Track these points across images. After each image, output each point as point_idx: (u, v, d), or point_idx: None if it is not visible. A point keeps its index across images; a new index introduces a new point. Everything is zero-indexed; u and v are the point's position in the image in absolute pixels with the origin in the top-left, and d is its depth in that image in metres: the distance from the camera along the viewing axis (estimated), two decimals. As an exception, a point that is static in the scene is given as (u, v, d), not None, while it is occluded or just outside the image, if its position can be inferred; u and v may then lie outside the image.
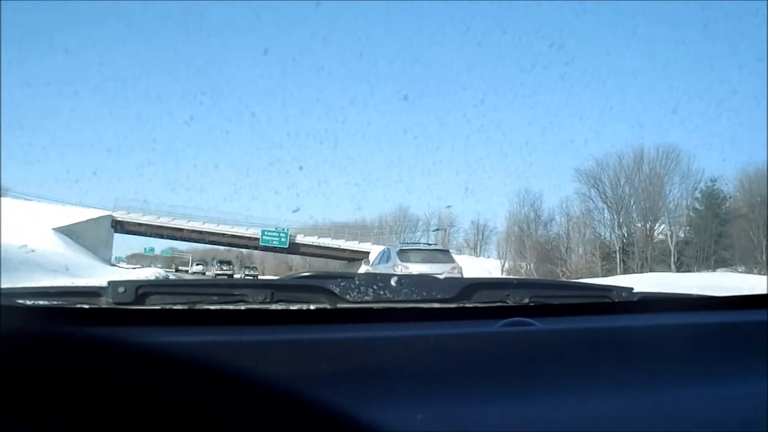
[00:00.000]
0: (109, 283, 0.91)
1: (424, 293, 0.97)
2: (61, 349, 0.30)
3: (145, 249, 64.49)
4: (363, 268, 12.30)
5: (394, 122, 41.64)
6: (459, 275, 8.40)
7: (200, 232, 41.72)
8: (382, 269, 9.34)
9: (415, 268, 8.68)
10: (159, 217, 40.68)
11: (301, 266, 55.18)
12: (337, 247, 40.36)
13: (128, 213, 41.68)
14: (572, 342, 0.74)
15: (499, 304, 1.02)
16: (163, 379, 0.30)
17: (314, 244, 41.24)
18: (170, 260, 68.94)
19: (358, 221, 45.52)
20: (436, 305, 0.94)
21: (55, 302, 0.96)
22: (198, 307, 0.93)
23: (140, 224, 41.37)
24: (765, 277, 17.41)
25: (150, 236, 43.51)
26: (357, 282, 0.95)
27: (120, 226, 40.67)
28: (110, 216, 40.47)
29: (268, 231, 39.72)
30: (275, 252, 48.16)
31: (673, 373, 0.68)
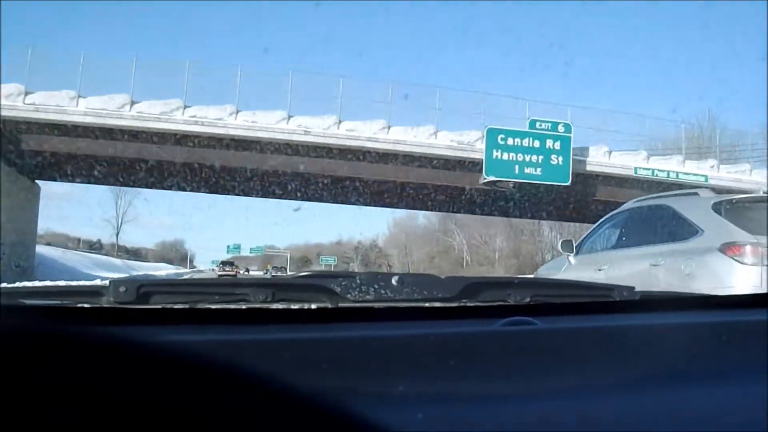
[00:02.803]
0: (111, 282, 0.95)
1: (425, 292, 1.01)
2: (62, 349, 0.31)
3: (228, 247, 55.09)
4: (565, 270, 5.49)
5: (394, 122, 26.47)
6: None
7: (244, 145, 17.78)
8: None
9: None
10: (131, 104, 16.72)
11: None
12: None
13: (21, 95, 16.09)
14: (573, 341, 0.78)
15: (500, 303, 1.06)
16: (163, 378, 0.32)
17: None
18: (264, 261, 60.51)
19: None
20: (438, 304, 0.99)
21: (56, 301, 1.00)
22: (199, 306, 0.98)
23: (67, 127, 16.46)
24: None
25: (100, 180, 20.32)
26: (358, 281, 0.99)
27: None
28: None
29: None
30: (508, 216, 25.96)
31: (675, 373, 0.71)
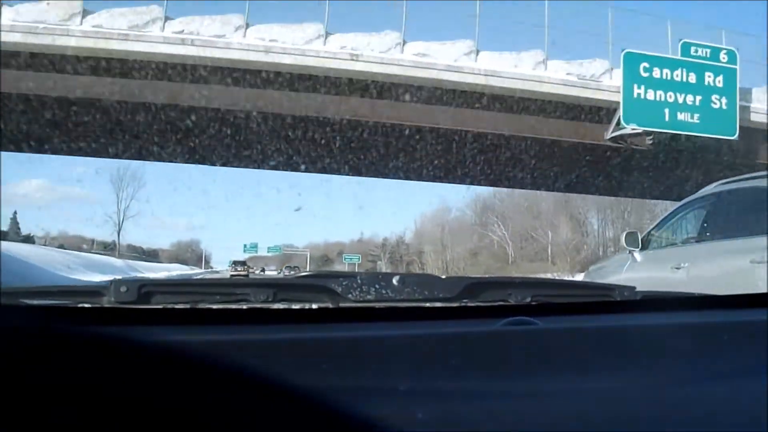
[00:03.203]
0: (112, 282, 1.03)
1: (426, 292, 1.07)
2: (62, 349, 0.33)
3: (245, 246, 53.83)
4: (627, 268, 5.09)
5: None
6: None
7: (256, 77, 11.13)
8: None
9: None
10: (82, 15, 10.80)
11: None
12: None
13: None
14: (574, 341, 0.84)
15: (501, 303, 1.13)
16: (164, 378, 0.34)
17: None
18: (283, 261, 59.86)
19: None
20: (439, 304, 1.05)
21: (57, 301, 1.08)
22: (200, 306, 1.05)
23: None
24: None
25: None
26: (359, 281, 1.06)
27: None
28: None
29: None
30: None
31: (676, 372, 0.76)
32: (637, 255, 4.98)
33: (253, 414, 0.34)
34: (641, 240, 5.00)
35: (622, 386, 0.70)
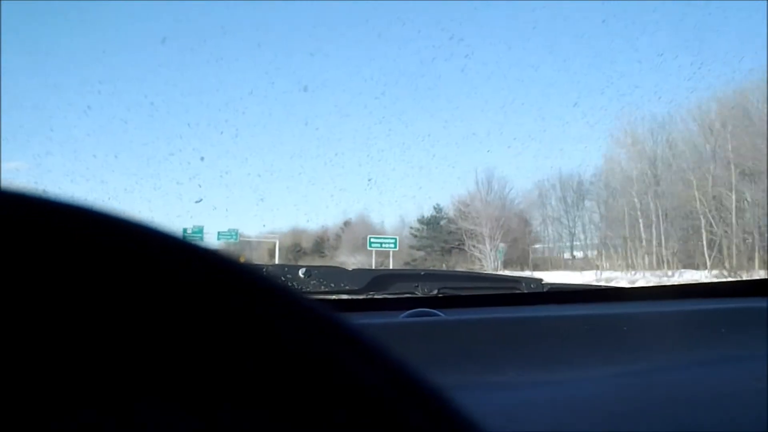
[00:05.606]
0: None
1: (333, 284, 1.08)
2: None
3: (184, 232, 33.47)
4: None
5: (294, 113, 34.89)
6: None
7: None
8: None
9: None
10: None
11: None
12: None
13: None
14: (477, 332, 0.86)
15: (408, 295, 1.14)
16: None
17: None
18: (239, 251, 50.93)
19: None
20: (345, 296, 1.07)
21: None
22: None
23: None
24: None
25: None
26: (264, 273, 1.02)
27: None
28: None
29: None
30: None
31: (576, 360, 0.79)
32: None
33: None
34: None
35: (525, 378, 0.71)
